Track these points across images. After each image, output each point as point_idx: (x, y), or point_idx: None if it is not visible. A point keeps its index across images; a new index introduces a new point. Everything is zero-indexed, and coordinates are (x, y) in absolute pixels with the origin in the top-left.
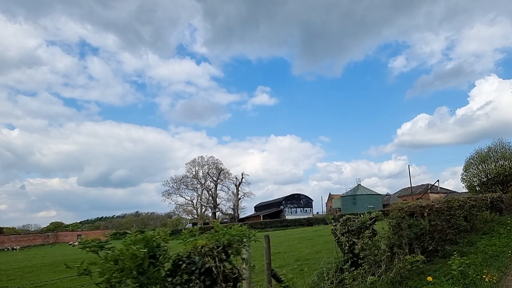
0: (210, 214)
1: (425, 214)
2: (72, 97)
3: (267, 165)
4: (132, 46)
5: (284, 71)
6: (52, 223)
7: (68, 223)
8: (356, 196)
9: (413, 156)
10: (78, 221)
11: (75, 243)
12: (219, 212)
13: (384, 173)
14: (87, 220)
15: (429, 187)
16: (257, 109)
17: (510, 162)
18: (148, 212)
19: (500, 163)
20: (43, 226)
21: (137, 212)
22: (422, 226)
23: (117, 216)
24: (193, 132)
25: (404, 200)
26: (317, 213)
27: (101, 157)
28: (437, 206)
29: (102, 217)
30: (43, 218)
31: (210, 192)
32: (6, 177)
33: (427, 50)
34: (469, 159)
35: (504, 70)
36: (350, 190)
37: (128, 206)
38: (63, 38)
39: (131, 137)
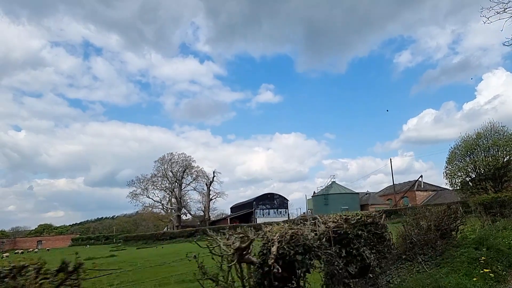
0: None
1: None
2: (77, 98)
3: (272, 163)
4: (135, 46)
5: (288, 69)
6: (40, 225)
7: (58, 225)
8: (328, 195)
9: (419, 152)
10: (75, 223)
11: (4, 255)
12: (183, 214)
13: (390, 170)
14: (87, 221)
15: (414, 183)
16: (261, 107)
17: (504, 151)
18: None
19: (491, 152)
20: (32, 228)
21: (137, 212)
22: None
23: (117, 216)
24: (197, 131)
25: (388, 199)
26: (303, 213)
27: (107, 157)
28: None
29: (102, 217)
30: (51, 218)
31: (174, 192)
32: (14, 178)
33: (433, 44)
34: (454, 148)
35: None
36: (323, 189)
37: (134, 205)
38: (66, 39)
39: (136, 136)
